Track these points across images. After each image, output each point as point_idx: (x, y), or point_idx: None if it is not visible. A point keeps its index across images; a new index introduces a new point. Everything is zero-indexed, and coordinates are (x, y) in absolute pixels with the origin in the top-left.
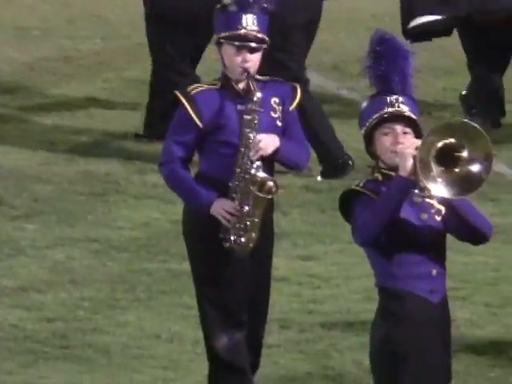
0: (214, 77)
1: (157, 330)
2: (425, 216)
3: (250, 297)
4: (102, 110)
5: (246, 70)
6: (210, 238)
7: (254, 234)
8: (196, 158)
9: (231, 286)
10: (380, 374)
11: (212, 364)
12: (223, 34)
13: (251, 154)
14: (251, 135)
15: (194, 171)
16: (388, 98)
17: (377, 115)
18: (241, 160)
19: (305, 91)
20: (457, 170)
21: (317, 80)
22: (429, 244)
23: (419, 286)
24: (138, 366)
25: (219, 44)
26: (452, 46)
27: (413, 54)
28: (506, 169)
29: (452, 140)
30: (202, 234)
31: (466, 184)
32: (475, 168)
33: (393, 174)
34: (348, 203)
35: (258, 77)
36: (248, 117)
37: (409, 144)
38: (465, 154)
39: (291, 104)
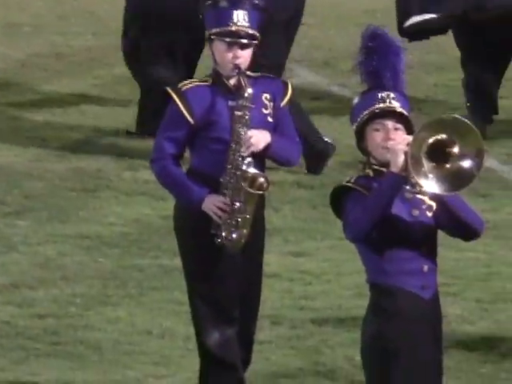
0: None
1: (148, 326)
2: (416, 212)
3: (241, 293)
4: (93, 106)
5: (237, 67)
6: (201, 234)
7: (245, 230)
8: (187, 154)
9: (223, 282)
10: (371, 370)
11: (203, 360)
12: (214, 30)
13: (242, 150)
14: (242, 131)
15: (185, 168)
16: (379, 94)
17: (368, 111)
18: (232, 156)
19: None
20: (448, 165)
21: (308, 76)
22: (420, 240)
23: (410, 282)
24: (129, 362)
25: (210, 40)
26: (444, 42)
27: (404, 50)
28: (498, 164)
29: (443, 136)
30: (193, 229)
31: (458, 180)
32: (466, 164)
33: (384, 169)
34: (339, 199)
35: (249, 73)
36: (239, 113)
37: (400, 140)
38: (456, 149)
39: (282, 100)
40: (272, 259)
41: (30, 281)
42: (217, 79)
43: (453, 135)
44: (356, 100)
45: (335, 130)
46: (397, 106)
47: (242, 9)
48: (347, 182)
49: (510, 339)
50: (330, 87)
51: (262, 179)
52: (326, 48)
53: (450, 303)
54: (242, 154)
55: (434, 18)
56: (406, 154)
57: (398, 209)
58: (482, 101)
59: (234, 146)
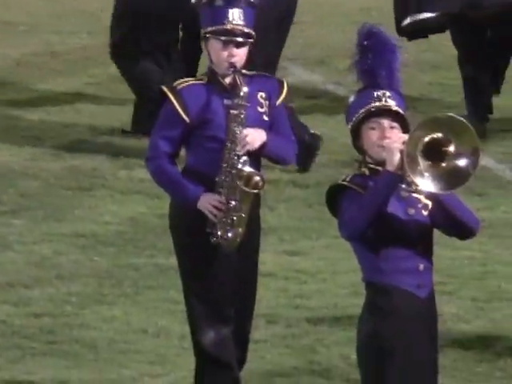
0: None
1: (144, 324)
2: (412, 211)
3: (236, 292)
4: (88, 105)
5: (232, 65)
6: (196, 233)
7: (240, 229)
8: (183, 152)
9: (218, 280)
10: (367, 369)
11: (198, 359)
12: (209, 29)
13: (238, 148)
14: (238, 130)
15: (181, 167)
16: (375, 93)
17: (364, 110)
18: (227, 155)
19: None
20: (444, 164)
21: (303, 75)
22: (416, 239)
23: (406, 281)
24: (124, 361)
25: (205, 39)
26: (439, 40)
27: (400, 49)
28: (493, 163)
29: (439, 134)
30: (188, 228)
31: (453, 178)
32: (462, 162)
33: (380, 168)
34: (335, 198)
35: (244, 71)
36: (234, 111)
37: (396, 138)
38: (452, 148)
39: (278, 98)
40: (267, 258)
41: (25, 280)
42: (212, 78)
43: (448, 134)
44: (351, 98)
45: (331, 129)
46: (392, 104)
47: (237, 7)
48: (343, 180)
49: (505, 338)
50: (326, 85)
51: (257, 178)
52: (321, 46)
53: (445, 302)
54: (238, 152)
55: (431, 16)
56: (401, 152)
57: (393, 207)
58: (478, 100)
59: (229, 144)
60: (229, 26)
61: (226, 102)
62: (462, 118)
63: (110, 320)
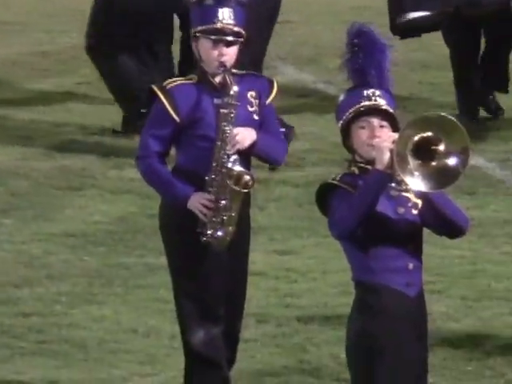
0: None
1: (133, 324)
2: (401, 210)
3: (226, 291)
4: (79, 104)
5: (222, 64)
6: (186, 232)
7: (231, 228)
8: (173, 152)
9: (208, 280)
10: (356, 368)
11: (188, 358)
12: (199, 28)
13: (228, 147)
14: (228, 129)
15: (171, 166)
16: (365, 92)
17: (353, 109)
18: (217, 154)
19: None
20: (434, 163)
21: (293, 74)
22: (405, 238)
23: (395, 280)
24: (114, 361)
25: (195, 38)
26: (429, 39)
27: (390, 48)
28: (483, 162)
29: (429, 133)
30: (178, 227)
31: (443, 177)
32: (452, 161)
33: (369, 167)
34: (325, 197)
35: (234, 70)
36: (224, 111)
37: (386, 137)
38: (442, 147)
39: (268, 97)
40: (257, 257)
41: (14, 279)
42: (202, 77)
43: (438, 133)
44: (341, 97)
45: (321, 128)
46: (382, 103)
47: (227, 6)
48: (333, 179)
49: (495, 337)
50: (316, 84)
51: (247, 177)
52: (312, 45)
53: (435, 301)
54: (228, 151)
55: (427, 14)
56: (391, 151)
57: (383, 206)
58: (469, 99)
59: (219, 143)
60: (219, 25)
61: (216, 101)
62: (452, 117)
63: (99, 319)
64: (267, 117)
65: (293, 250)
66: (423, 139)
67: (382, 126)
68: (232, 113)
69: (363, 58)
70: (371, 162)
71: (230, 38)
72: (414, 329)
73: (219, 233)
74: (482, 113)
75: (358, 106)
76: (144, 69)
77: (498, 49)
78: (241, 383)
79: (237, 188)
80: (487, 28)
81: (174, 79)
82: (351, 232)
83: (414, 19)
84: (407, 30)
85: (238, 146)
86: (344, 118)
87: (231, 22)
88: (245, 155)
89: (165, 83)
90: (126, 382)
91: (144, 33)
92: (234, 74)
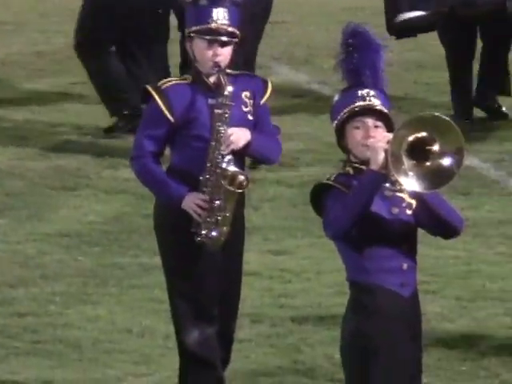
0: None
1: (128, 324)
2: (396, 210)
3: (221, 291)
4: (74, 104)
5: (217, 65)
6: (181, 232)
7: (225, 228)
8: (167, 152)
9: (202, 280)
10: (351, 368)
11: (183, 358)
12: (194, 28)
13: (222, 148)
14: (222, 129)
15: (165, 166)
16: (359, 92)
17: (348, 109)
18: (212, 154)
19: None
20: (428, 163)
21: (288, 74)
22: (400, 238)
23: (390, 280)
24: (109, 361)
25: (190, 38)
26: (424, 40)
27: (384, 48)
28: (478, 162)
29: (423, 134)
30: (173, 227)
31: (438, 178)
32: (446, 162)
33: (364, 167)
34: (319, 197)
35: (228, 71)
36: (219, 111)
37: (380, 138)
38: (436, 147)
39: (262, 98)
40: (252, 257)
41: (9, 279)
42: (197, 77)
43: (433, 133)
44: (336, 98)
45: (315, 128)
46: (377, 103)
47: (221, 6)
48: (327, 179)
49: (489, 337)
50: (310, 85)
51: (241, 177)
52: (306, 45)
53: (429, 301)
54: (222, 152)
55: (423, 14)
56: (386, 151)
57: (377, 207)
58: (464, 99)
59: (213, 144)
60: (213, 26)
61: (210, 101)
62: (446, 117)
63: (94, 319)
64: (261, 117)
65: (287, 250)
66: (418, 139)
67: (376, 127)
68: (226, 113)
69: (358, 58)
70: (366, 162)
71: (224, 39)
72: (409, 329)
73: (213, 233)
74: (477, 113)
75: (352, 106)
76: (137, 70)
77: (496, 49)
78: (235, 383)
79: (231, 188)
80: (483, 28)
81: (169, 79)
82: (345, 232)
83: (410, 19)
84: (403, 30)
85: (233, 147)
86: (338, 118)
87: (226, 22)
88: (239, 155)
89: (159, 83)
90: (121, 382)
91: (135, 33)
92: (228, 75)
